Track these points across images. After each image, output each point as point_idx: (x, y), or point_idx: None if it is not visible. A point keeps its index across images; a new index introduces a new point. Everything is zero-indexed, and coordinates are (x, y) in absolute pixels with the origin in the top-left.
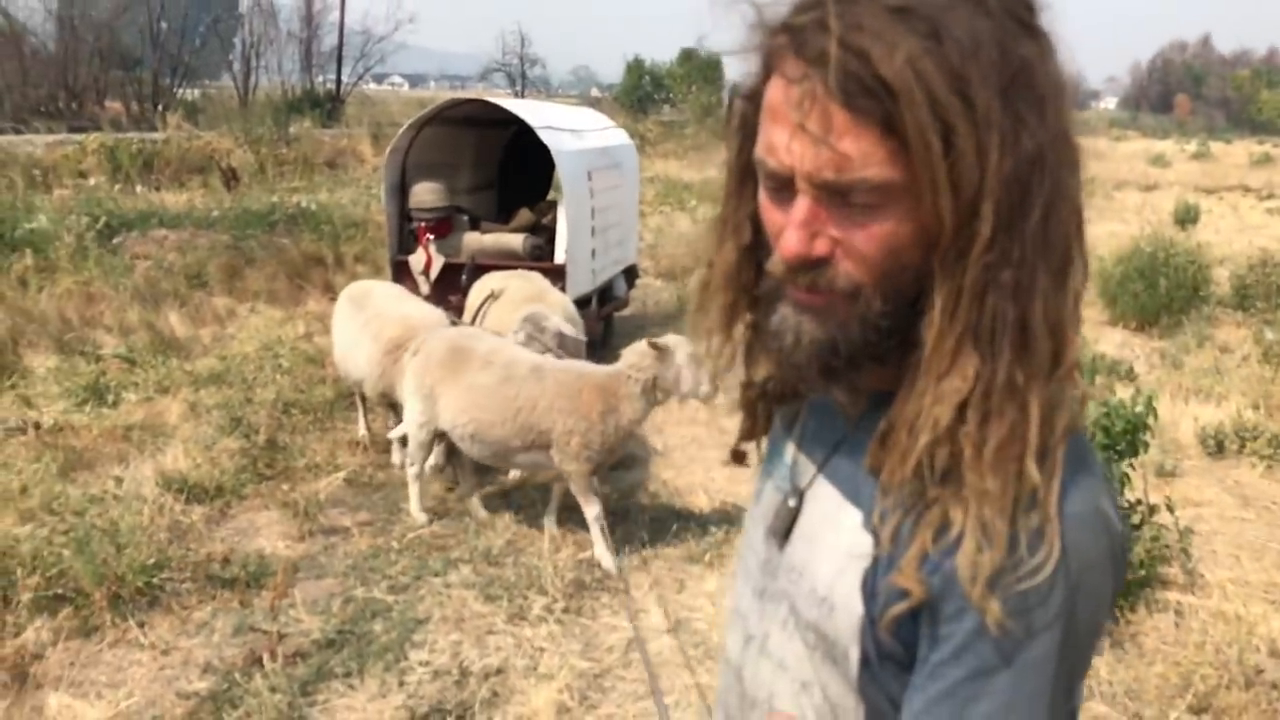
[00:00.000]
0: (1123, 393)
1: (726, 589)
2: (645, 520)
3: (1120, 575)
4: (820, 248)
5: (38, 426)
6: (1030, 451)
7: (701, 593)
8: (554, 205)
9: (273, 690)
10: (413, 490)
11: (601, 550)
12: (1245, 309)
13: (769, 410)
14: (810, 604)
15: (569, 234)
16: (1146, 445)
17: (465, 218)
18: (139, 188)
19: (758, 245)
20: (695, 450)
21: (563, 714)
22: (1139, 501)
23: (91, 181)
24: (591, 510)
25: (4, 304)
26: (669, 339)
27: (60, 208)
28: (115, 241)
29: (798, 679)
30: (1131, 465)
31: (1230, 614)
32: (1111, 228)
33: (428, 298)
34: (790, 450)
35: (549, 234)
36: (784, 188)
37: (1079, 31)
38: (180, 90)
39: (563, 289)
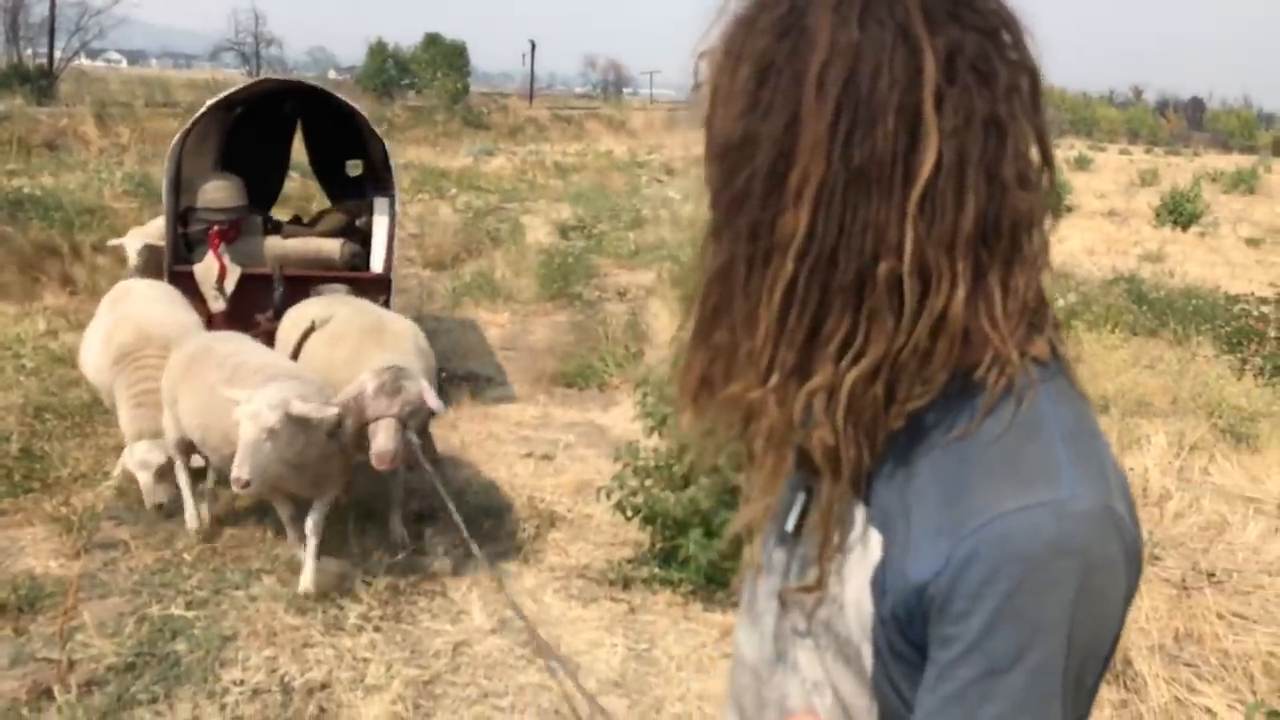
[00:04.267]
0: None
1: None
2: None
3: (1134, 576)
4: None
5: None
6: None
7: (521, 590)
8: (367, 205)
9: None
10: (186, 497)
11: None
12: None
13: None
14: (820, 602)
15: (390, 238)
16: None
17: (258, 219)
18: None
19: None
20: (494, 446)
21: None
22: None
23: None
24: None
25: None
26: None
27: None
28: None
29: (809, 679)
30: None
31: None
32: None
33: (227, 317)
34: None
35: (361, 238)
36: None
37: None
38: None
39: (385, 304)
